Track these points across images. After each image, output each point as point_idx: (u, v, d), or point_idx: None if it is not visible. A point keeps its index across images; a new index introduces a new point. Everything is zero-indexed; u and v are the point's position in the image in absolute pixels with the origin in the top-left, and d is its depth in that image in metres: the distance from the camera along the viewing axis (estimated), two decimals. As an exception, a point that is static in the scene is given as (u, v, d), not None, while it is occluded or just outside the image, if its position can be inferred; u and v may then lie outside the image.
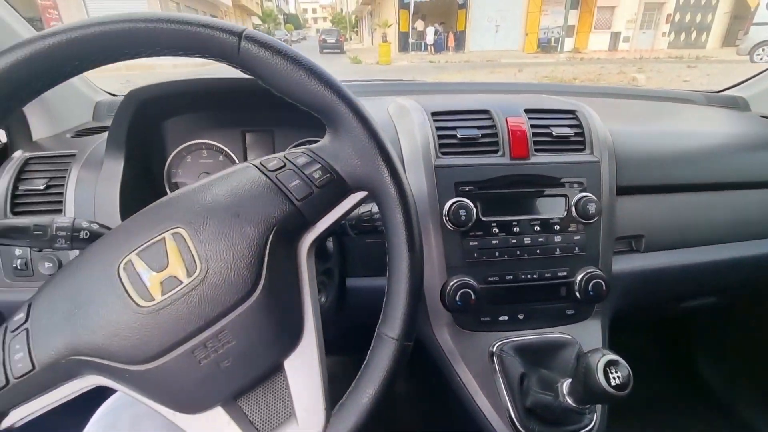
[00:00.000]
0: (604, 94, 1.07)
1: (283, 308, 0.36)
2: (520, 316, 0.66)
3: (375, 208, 0.50)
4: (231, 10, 27.18)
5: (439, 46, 19.64)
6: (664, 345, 1.29)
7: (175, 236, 0.34)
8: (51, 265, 0.62)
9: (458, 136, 0.66)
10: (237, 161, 0.76)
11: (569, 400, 0.52)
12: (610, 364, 0.45)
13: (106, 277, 0.33)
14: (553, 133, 0.68)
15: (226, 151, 0.76)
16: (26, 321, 0.34)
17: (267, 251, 0.35)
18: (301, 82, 0.35)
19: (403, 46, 19.44)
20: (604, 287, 0.65)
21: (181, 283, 0.33)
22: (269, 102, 0.74)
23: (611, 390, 0.44)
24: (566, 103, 0.74)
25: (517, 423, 0.58)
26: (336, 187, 0.37)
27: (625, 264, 0.72)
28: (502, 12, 18.90)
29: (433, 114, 0.69)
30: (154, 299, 0.32)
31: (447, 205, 0.63)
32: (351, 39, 41.35)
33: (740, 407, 1.12)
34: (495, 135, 0.67)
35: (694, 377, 1.22)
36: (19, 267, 0.63)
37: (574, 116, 0.71)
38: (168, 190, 0.75)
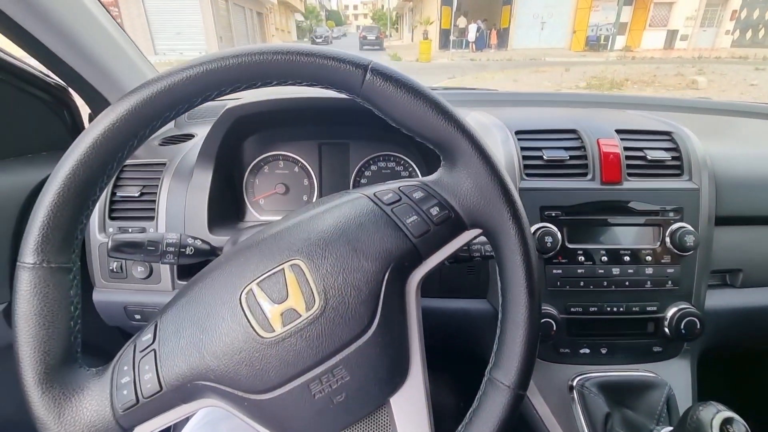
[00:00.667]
0: (692, 109, 0.99)
1: (395, 345, 0.35)
2: (603, 350, 0.63)
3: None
4: (276, 7, 27.86)
5: (481, 44, 19.22)
6: (744, 381, 1.19)
7: (293, 268, 0.34)
8: (143, 269, 0.65)
9: (544, 157, 0.64)
10: (312, 172, 0.77)
11: None
12: (727, 422, 0.41)
13: (229, 305, 0.34)
14: (648, 157, 0.64)
15: (302, 163, 0.77)
16: (153, 341, 0.35)
17: (383, 288, 0.34)
18: (422, 116, 0.35)
19: (444, 44, 19.18)
20: (698, 326, 0.60)
21: (300, 316, 0.33)
22: (344, 115, 0.75)
23: None
24: (660, 123, 0.69)
25: None
26: (453, 224, 0.36)
27: (719, 300, 0.67)
28: (550, 8, 18.22)
29: (517, 133, 0.66)
30: (274, 331, 0.33)
31: (532, 230, 0.60)
32: (391, 36, 41.33)
33: None
34: (584, 157, 0.64)
35: None
36: (114, 270, 0.67)
37: (670, 138, 0.67)
38: (246, 199, 0.77)
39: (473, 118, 0.75)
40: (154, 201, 0.67)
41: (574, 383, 0.61)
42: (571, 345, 0.63)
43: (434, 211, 0.36)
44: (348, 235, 0.35)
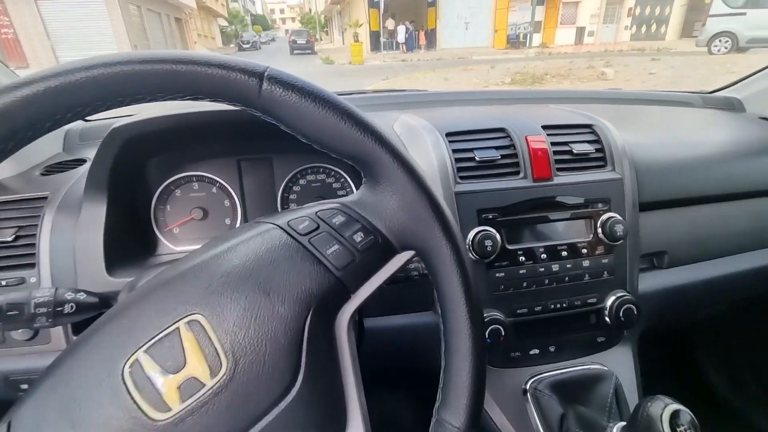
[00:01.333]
0: (607, 100, 1.04)
1: (327, 398, 0.30)
2: (551, 348, 0.63)
3: None
4: (196, 12, 26.35)
5: (411, 45, 19.66)
6: (669, 352, 1.29)
7: (191, 325, 0.28)
8: (23, 330, 0.54)
9: (476, 158, 0.62)
10: (233, 192, 0.69)
11: None
12: (675, 415, 0.41)
13: (108, 383, 0.27)
14: (574, 151, 0.65)
15: (219, 183, 0.68)
16: None
17: (306, 334, 0.29)
18: (334, 128, 0.30)
19: (375, 45, 19.35)
20: (635, 311, 0.62)
21: (203, 386, 0.27)
22: (265, 127, 0.67)
23: None
24: (581, 116, 0.71)
25: None
26: (381, 250, 0.32)
27: (649, 282, 0.70)
28: (472, 9, 19.10)
29: (448, 134, 0.64)
30: (171, 409, 0.26)
31: (471, 235, 0.58)
32: (321, 39, 40.96)
33: (750, 413, 1.13)
34: (515, 155, 0.63)
35: (702, 384, 1.22)
36: None
37: (592, 130, 0.68)
38: (156, 230, 0.67)
39: (403, 122, 0.72)
40: (33, 245, 0.55)
41: (528, 386, 0.60)
42: (521, 348, 0.62)
43: (358, 237, 0.31)
44: (258, 277, 0.29)
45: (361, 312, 0.60)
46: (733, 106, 1.06)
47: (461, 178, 0.61)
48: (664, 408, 0.41)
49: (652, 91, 1.17)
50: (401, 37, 19.04)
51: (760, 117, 0.99)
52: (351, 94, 1.06)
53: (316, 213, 0.32)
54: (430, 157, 0.62)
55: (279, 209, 0.69)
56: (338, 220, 0.32)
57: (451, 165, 0.61)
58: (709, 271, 0.73)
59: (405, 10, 20.20)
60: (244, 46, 26.88)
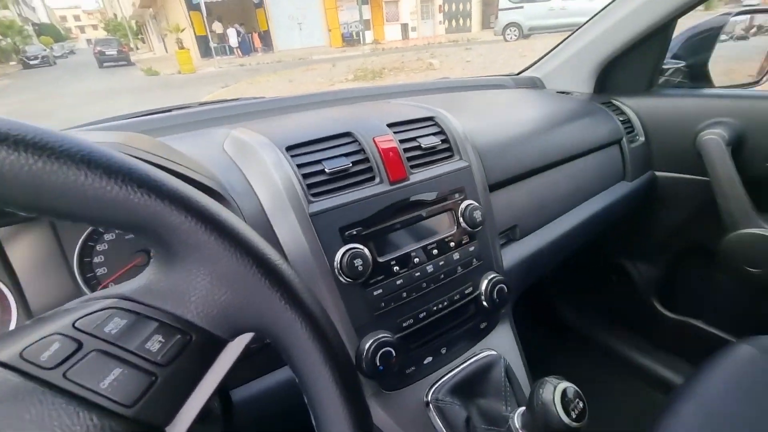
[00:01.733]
0: (438, 90, 1.09)
1: None
2: (443, 351, 0.61)
3: None
4: (-58, 23, 20.01)
5: (246, 48, 18.68)
6: (534, 309, 1.48)
7: None
8: None
9: (326, 170, 0.55)
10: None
11: None
12: (564, 395, 0.42)
13: None
14: (423, 145, 0.63)
15: None
16: None
17: None
18: (87, 193, 0.18)
19: (206, 51, 17.76)
20: (506, 289, 0.64)
21: None
22: None
23: (574, 424, 0.41)
24: (422, 110, 0.70)
25: None
26: (199, 349, 0.22)
27: (510, 257, 0.74)
28: (302, 10, 19.09)
29: (289, 149, 0.55)
30: None
31: (338, 258, 0.51)
32: (138, 48, 35.79)
33: (593, 333, 1.37)
34: (366, 160, 0.58)
35: (556, 319, 1.44)
36: None
37: (434, 122, 0.68)
38: None
39: (234, 139, 0.60)
40: None
41: (429, 398, 0.57)
42: (414, 361, 0.58)
43: (155, 344, 0.21)
44: None
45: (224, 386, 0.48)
46: (536, 84, 1.23)
47: (314, 195, 0.53)
48: (554, 389, 0.42)
49: (473, 77, 1.28)
50: (233, 40, 17.93)
51: (558, 91, 1.16)
52: (169, 111, 0.86)
53: (74, 323, 0.20)
54: (272, 178, 0.52)
55: (81, 285, 0.50)
56: (115, 326, 0.20)
57: (299, 183, 0.52)
58: (550, 234, 0.82)
59: (231, 12, 19.03)
60: (31, 62, 21.74)
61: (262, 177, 0.53)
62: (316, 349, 0.23)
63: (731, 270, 0.99)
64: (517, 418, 0.49)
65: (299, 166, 0.53)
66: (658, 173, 1.12)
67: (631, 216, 1.12)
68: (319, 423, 0.24)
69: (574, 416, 0.41)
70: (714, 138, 0.94)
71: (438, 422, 0.55)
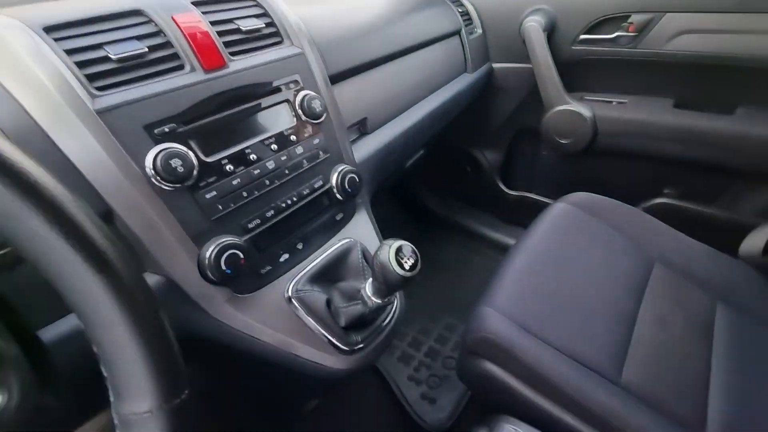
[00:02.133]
0: None
1: None
2: (299, 246, 0.60)
3: None
4: None
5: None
6: (399, 199, 1.58)
7: None
8: None
9: (112, 56, 0.44)
10: None
11: (375, 300, 0.52)
12: (398, 251, 0.45)
13: None
14: (242, 29, 0.55)
15: None
16: None
17: None
18: None
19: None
20: (357, 180, 0.65)
21: None
22: None
23: (407, 274, 0.45)
24: None
25: (341, 346, 0.56)
26: None
27: (363, 150, 0.74)
28: None
29: (50, 30, 0.42)
30: None
31: (148, 160, 0.44)
32: None
33: (451, 216, 1.55)
34: (169, 45, 0.48)
35: (423, 208, 1.59)
36: None
37: (257, 3, 0.59)
38: None
39: None
40: None
41: (289, 292, 0.57)
42: (269, 260, 0.57)
43: None
44: None
45: (24, 326, 0.40)
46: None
47: (99, 89, 0.43)
48: (389, 248, 0.45)
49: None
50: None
51: None
52: None
53: None
54: (32, 69, 0.40)
55: None
56: None
57: (72, 74, 0.41)
58: (402, 124, 0.84)
59: None
60: None
61: (18, 71, 0.41)
62: (79, 258, 0.19)
63: (549, 144, 1.17)
64: (368, 287, 0.52)
65: (69, 52, 0.42)
66: (495, 65, 1.21)
67: (475, 107, 1.22)
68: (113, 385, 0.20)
69: (407, 267, 0.45)
70: (533, 25, 1.03)
71: (301, 311, 0.57)
